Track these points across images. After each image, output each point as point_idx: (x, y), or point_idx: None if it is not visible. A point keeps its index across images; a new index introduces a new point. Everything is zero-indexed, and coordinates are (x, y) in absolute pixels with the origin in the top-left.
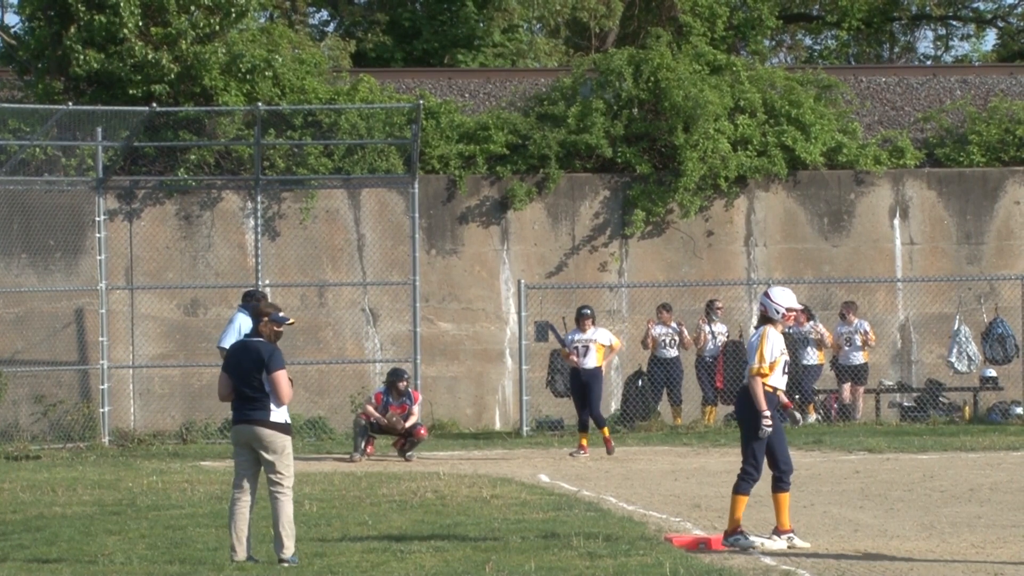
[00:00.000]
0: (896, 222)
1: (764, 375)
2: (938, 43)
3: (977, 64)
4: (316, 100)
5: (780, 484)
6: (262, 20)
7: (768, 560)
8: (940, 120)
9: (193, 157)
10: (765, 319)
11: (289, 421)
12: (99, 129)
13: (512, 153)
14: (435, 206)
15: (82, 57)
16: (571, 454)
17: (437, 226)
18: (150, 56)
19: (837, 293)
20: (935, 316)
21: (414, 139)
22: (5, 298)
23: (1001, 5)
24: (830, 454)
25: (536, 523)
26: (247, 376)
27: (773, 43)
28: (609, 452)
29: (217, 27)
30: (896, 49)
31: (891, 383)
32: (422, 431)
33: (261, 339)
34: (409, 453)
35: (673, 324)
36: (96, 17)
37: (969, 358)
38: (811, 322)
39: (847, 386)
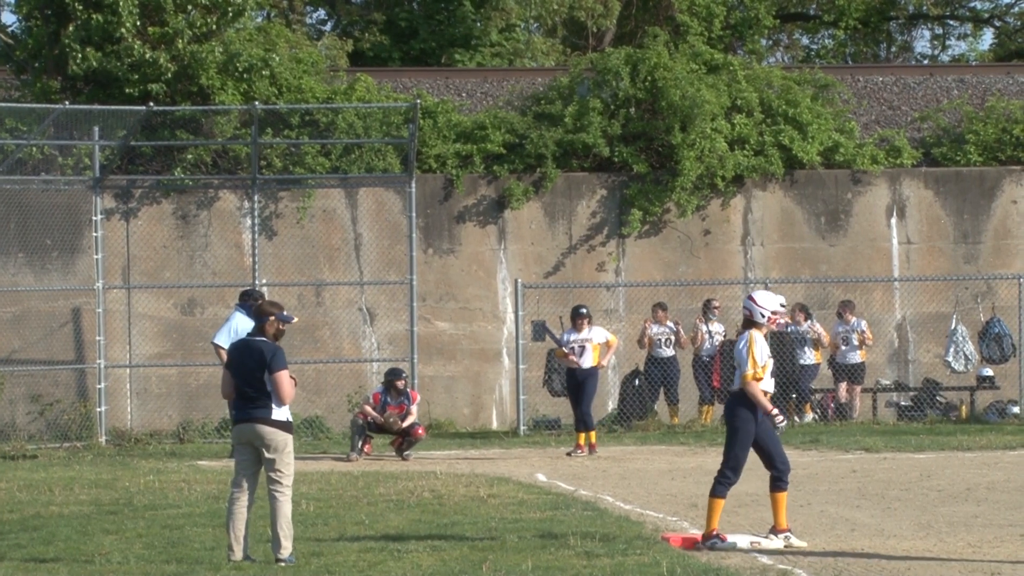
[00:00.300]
0: (893, 221)
1: (759, 379)
2: (935, 42)
3: (974, 63)
4: (313, 99)
5: (778, 483)
6: (259, 19)
7: (765, 559)
8: (937, 119)
9: (190, 156)
10: (749, 323)
11: (290, 419)
12: (96, 128)
13: (509, 152)
14: (432, 205)
15: (80, 55)
16: (568, 453)
17: (434, 225)
18: (147, 55)
19: (834, 292)
20: (932, 315)
21: (411, 138)
22: (2, 297)
23: (998, 4)
24: (827, 453)
25: (533, 522)
26: (249, 375)
27: (770, 42)
28: (589, 453)
29: (214, 26)
30: (893, 48)
31: (888, 382)
32: (420, 431)
33: (264, 339)
34: (406, 452)
35: (670, 323)
36: (93, 16)
37: (966, 357)
38: (808, 321)
39: (844, 385)
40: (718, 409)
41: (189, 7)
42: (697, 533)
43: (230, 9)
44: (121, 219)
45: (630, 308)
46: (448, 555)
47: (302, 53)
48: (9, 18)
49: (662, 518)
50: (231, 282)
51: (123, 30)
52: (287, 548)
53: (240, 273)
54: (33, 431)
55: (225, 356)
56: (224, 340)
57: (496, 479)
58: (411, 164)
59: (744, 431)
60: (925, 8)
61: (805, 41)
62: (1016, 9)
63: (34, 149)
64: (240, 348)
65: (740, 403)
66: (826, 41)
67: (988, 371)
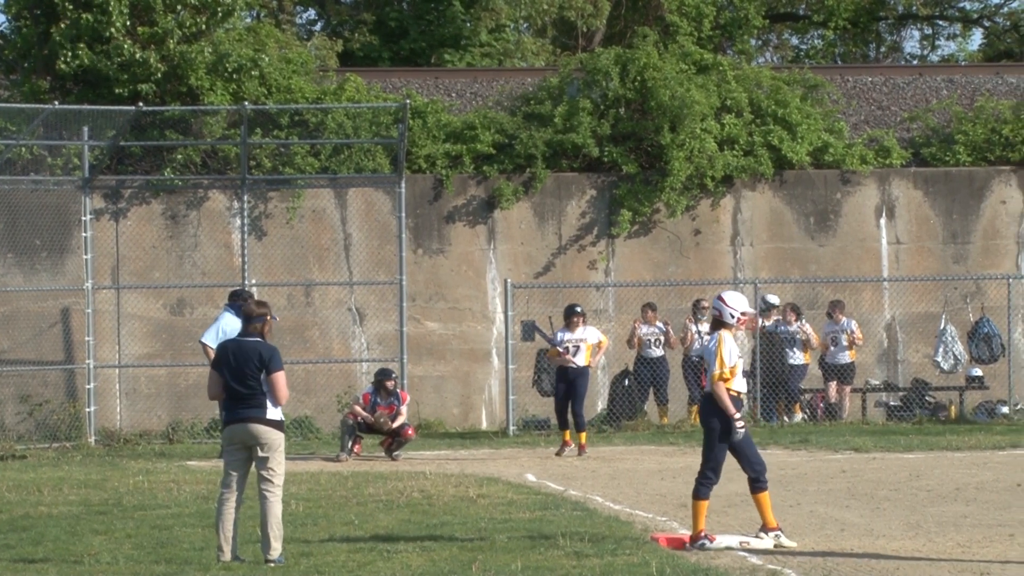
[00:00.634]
0: (882, 221)
1: (726, 379)
2: (924, 43)
3: (963, 64)
4: (303, 100)
5: (757, 485)
6: (248, 19)
7: (755, 559)
8: (926, 120)
9: (179, 156)
10: (719, 324)
11: (283, 419)
12: (85, 128)
13: (499, 152)
14: (422, 205)
15: (69, 54)
16: (557, 453)
17: (424, 225)
18: (137, 55)
19: (823, 292)
20: (921, 315)
21: (401, 139)
22: None
23: (987, 5)
24: (816, 453)
25: (523, 523)
26: (245, 375)
27: (760, 43)
28: (579, 454)
29: (204, 26)
30: (882, 49)
31: (877, 382)
32: (410, 431)
33: (259, 339)
34: (396, 453)
35: (659, 324)
36: (83, 16)
37: (955, 357)
38: (799, 322)
39: (833, 385)
40: None
41: (179, 7)
42: (686, 533)
43: (219, 9)
44: (110, 219)
45: (619, 308)
46: (437, 555)
47: (291, 53)
48: None
49: (651, 518)
50: (220, 282)
51: (112, 30)
52: (277, 549)
53: (229, 273)
54: (22, 431)
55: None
56: (212, 339)
57: (485, 479)
58: (400, 164)
59: (720, 431)
60: (914, 8)
61: (794, 41)
62: (1005, 9)
63: (23, 149)
64: (233, 348)
65: (714, 404)
66: (815, 41)
67: (977, 371)
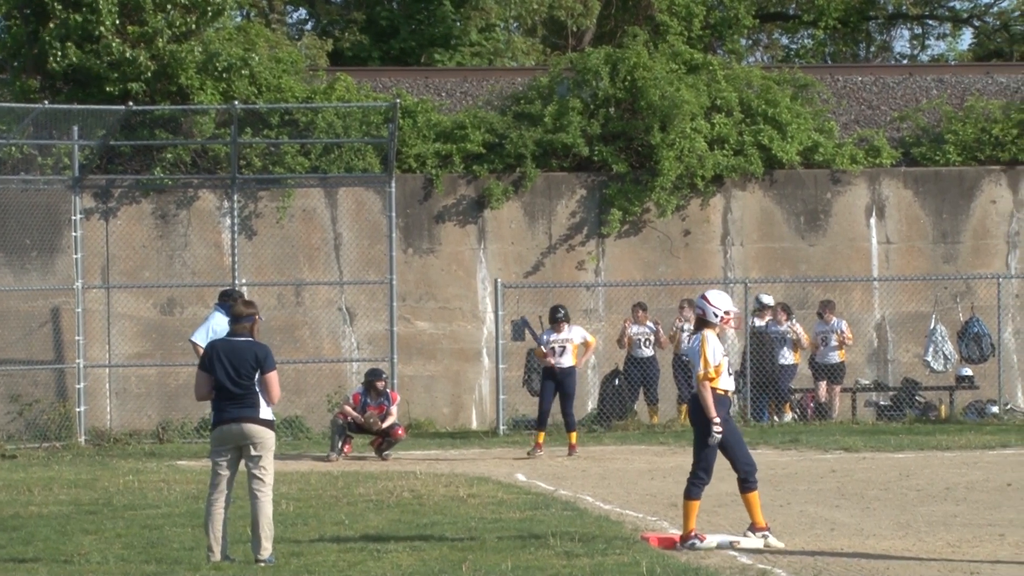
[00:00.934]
0: (872, 221)
1: (712, 379)
2: (914, 42)
3: (953, 63)
4: (293, 99)
5: (746, 484)
6: (238, 19)
7: (745, 559)
8: (916, 119)
9: (169, 156)
10: (702, 323)
11: (275, 419)
12: (75, 128)
13: (489, 152)
14: (412, 205)
15: (59, 53)
16: (528, 453)
17: (414, 225)
18: (127, 54)
19: (813, 292)
20: (911, 315)
21: (391, 138)
22: None
23: (977, 4)
24: (806, 453)
25: (513, 522)
26: (239, 375)
27: (750, 42)
28: (570, 454)
29: (193, 26)
30: (872, 48)
31: (867, 382)
32: (400, 432)
33: (251, 339)
34: (386, 452)
35: (649, 323)
36: (72, 15)
37: (945, 357)
38: (789, 321)
39: (823, 385)
40: None
41: (168, 6)
42: (676, 533)
43: (209, 8)
44: (100, 219)
45: (610, 308)
46: (428, 555)
47: (282, 53)
48: None
49: (642, 518)
50: (211, 282)
51: (102, 28)
52: (267, 548)
53: (220, 273)
54: (12, 431)
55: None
56: (202, 339)
57: (476, 479)
58: (391, 164)
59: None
60: (904, 8)
61: (784, 41)
62: (995, 9)
63: (13, 148)
64: (225, 348)
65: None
66: (805, 41)
67: (967, 371)
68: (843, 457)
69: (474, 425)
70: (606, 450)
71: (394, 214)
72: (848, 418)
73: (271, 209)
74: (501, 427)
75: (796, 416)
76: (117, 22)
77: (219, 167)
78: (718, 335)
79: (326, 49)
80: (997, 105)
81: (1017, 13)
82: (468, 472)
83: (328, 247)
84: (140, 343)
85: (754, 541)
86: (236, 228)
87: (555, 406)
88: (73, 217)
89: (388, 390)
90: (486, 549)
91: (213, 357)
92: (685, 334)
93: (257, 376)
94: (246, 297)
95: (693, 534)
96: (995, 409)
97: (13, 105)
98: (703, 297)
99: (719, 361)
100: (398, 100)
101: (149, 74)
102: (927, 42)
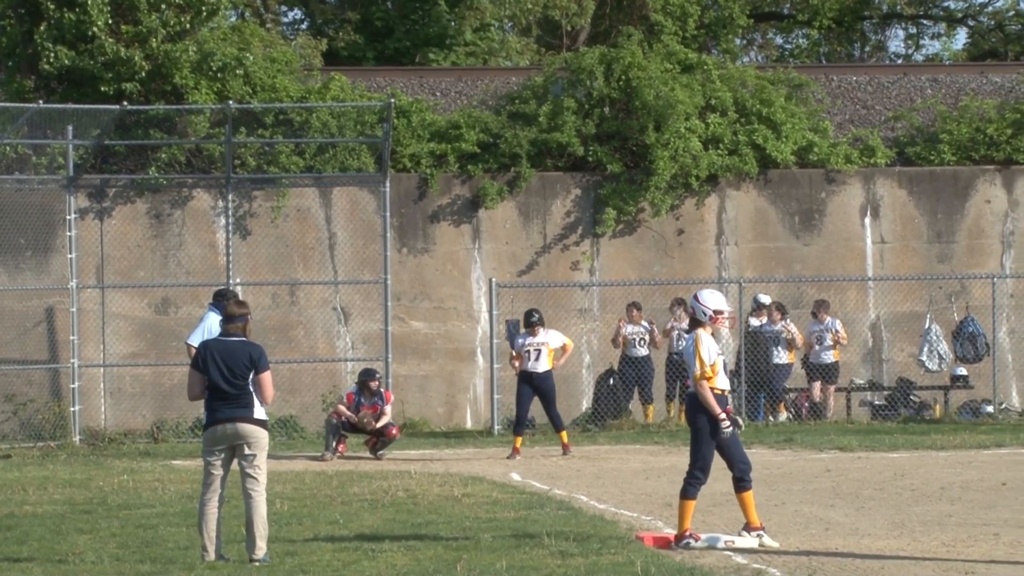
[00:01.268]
0: (867, 221)
1: (709, 378)
2: (909, 42)
3: (948, 63)
4: (287, 99)
5: (741, 484)
6: (233, 18)
7: (739, 558)
8: (911, 119)
9: (164, 155)
10: (695, 322)
11: (268, 418)
12: (70, 127)
13: (483, 152)
14: (406, 205)
15: (52, 54)
16: (508, 457)
17: (408, 225)
18: (121, 54)
19: (808, 292)
20: (906, 315)
21: (385, 138)
22: None
23: (972, 4)
24: (801, 453)
25: (507, 522)
26: (233, 375)
27: (744, 42)
28: (564, 453)
29: (188, 25)
30: (867, 48)
31: (862, 382)
32: (394, 431)
33: (244, 338)
34: (380, 452)
35: (644, 323)
36: (66, 15)
37: (940, 357)
38: (783, 321)
39: (818, 385)
40: None
41: (163, 6)
42: (671, 532)
43: (204, 8)
44: (95, 218)
45: (604, 307)
46: (422, 554)
47: (276, 52)
48: None
49: (636, 517)
50: (205, 281)
51: (95, 28)
52: (262, 548)
53: (214, 272)
54: (7, 431)
55: None
56: (198, 341)
57: (470, 478)
58: (385, 163)
59: (708, 430)
60: (899, 8)
61: (779, 41)
62: (989, 9)
63: (7, 148)
64: (219, 348)
65: (701, 403)
66: (800, 40)
67: (962, 370)
68: (838, 457)
69: (468, 425)
70: (601, 449)
71: (388, 214)
72: (843, 418)
73: (266, 209)
74: (496, 427)
75: (791, 416)
76: (110, 21)
77: (214, 167)
78: (711, 334)
79: (321, 49)
80: (992, 105)
81: (1012, 13)
82: (463, 472)
83: (323, 247)
84: (135, 343)
85: (749, 541)
86: (231, 228)
87: (539, 411)
88: (68, 217)
89: (382, 390)
90: (481, 549)
91: (207, 357)
92: (676, 333)
93: (251, 376)
94: (239, 297)
95: (688, 534)
96: (990, 409)
97: (8, 105)
98: (695, 297)
99: (714, 359)
100: (392, 100)
101: (144, 74)
102: (922, 42)
